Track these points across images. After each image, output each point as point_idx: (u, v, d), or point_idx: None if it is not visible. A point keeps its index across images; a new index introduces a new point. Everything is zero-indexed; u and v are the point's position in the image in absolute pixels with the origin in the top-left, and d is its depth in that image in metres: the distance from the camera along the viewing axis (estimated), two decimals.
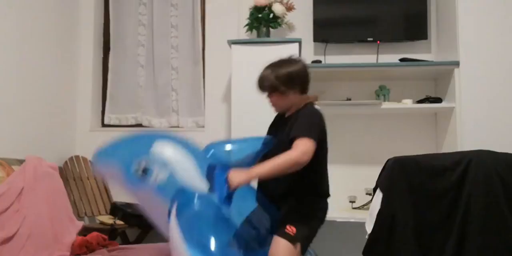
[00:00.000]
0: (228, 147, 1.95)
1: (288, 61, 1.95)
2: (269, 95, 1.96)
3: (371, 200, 2.02)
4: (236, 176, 1.70)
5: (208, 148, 1.90)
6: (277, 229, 1.81)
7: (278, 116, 2.09)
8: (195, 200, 1.69)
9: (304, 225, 1.82)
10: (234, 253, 1.64)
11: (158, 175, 1.73)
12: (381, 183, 1.90)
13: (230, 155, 1.91)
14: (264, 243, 1.82)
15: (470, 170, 1.81)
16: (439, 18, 3.21)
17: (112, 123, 3.57)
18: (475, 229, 1.76)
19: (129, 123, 3.55)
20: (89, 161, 3.31)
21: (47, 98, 3.11)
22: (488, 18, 2.83)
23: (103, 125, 3.58)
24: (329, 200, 2.03)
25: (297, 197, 1.89)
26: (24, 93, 2.88)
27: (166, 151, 1.80)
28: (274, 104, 1.99)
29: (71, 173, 3.18)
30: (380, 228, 1.84)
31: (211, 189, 1.74)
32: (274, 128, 2.05)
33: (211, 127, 3.34)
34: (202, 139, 1.97)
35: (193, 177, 1.76)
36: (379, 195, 1.89)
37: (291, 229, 1.78)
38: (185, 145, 1.86)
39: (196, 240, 1.56)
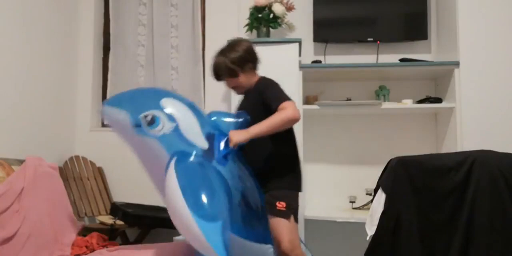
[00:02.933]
0: (228, 118, 2.07)
1: (235, 44, 2.10)
2: (228, 80, 2.09)
3: (372, 200, 2.01)
4: (237, 134, 1.86)
5: (211, 114, 2.04)
6: (269, 208, 1.93)
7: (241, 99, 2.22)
8: (193, 155, 1.80)
9: (290, 197, 1.96)
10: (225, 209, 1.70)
11: (165, 126, 1.83)
12: (383, 184, 1.89)
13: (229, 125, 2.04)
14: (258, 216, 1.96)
15: (474, 170, 1.80)
16: (439, 18, 3.21)
17: None
18: (481, 229, 1.76)
19: None
20: (90, 161, 3.32)
21: (47, 98, 3.11)
22: (488, 18, 2.84)
23: (103, 125, 3.58)
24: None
25: (278, 173, 2.00)
26: (24, 93, 2.88)
27: (174, 106, 1.91)
28: (237, 86, 2.12)
29: (71, 173, 3.18)
30: (384, 229, 1.82)
31: (210, 147, 1.87)
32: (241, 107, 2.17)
33: None
34: None
35: (196, 133, 1.87)
36: (380, 195, 1.88)
37: (281, 205, 1.91)
38: (190, 105, 1.97)
39: (192, 191, 1.62)
